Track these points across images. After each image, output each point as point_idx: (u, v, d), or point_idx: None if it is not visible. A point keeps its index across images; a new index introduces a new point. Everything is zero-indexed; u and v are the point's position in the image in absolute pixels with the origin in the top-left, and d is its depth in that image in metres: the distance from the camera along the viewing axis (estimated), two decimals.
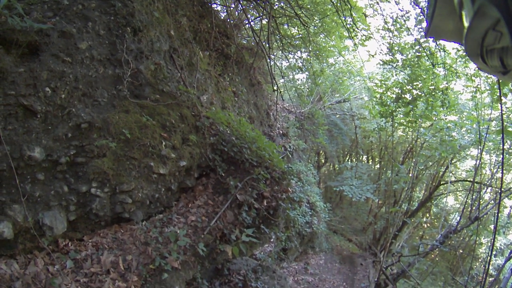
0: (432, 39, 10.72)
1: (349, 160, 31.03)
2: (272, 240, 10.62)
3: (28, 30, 4.02)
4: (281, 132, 14.67)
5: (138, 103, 5.32)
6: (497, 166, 12.10)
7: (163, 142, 5.35)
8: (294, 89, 21.68)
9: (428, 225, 28.01)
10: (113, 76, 5.05)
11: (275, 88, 11.37)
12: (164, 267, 4.78)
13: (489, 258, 6.83)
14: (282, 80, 17.97)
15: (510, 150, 13.50)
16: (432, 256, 24.27)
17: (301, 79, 23.07)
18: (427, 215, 27.58)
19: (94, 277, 4.35)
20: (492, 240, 6.74)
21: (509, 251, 12.00)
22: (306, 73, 20.09)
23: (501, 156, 9.59)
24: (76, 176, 4.46)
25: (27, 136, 3.96)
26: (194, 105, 6.34)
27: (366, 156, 32.46)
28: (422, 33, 11.23)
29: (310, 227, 15.62)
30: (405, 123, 16.36)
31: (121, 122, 4.86)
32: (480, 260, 23.53)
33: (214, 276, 7.39)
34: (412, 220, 19.49)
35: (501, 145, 9.96)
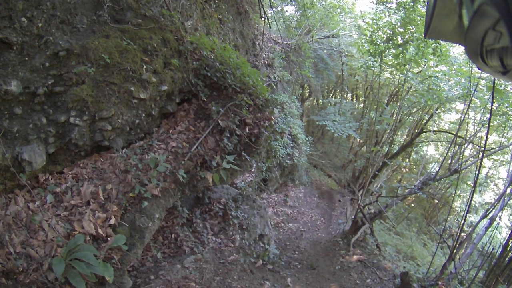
0: None
1: (333, 96, 31.10)
2: (253, 169, 10.69)
3: None
4: (266, 62, 14.50)
5: (118, 27, 5.14)
6: (481, 125, 12.18)
7: (144, 66, 5.20)
8: (282, 20, 21.29)
9: (407, 170, 28.57)
10: (93, 2, 4.86)
11: (263, 15, 11.11)
12: (144, 194, 4.79)
13: (465, 213, 6.96)
14: (270, 11, 17.57)
15: (496, 112, 13.57)
16: (409, 201, 24.83)
17: (290, 11, 22.65)
18: (407, 160, 28.05)
19: (74, 209, 4.36)
20: (470, 197, 6.89)
21: (484, 210, 12.26)
22: (296, 5, 19.71)
23: (487, 115, 9.66)
24: (55, 106, 4.36)
25: (2, 70, 3.83)
26: (177, 29, 6.13)
27: (350, 94, 32.55)
28: None
29: (291, 159, 15.83)
30: (393, 65, 16.24)
31: (101, 47, 4.70)
32: (455, 213, 24.21)
33: (195, 205, 7.46)
34: (392, 162, 19.75)
35: (488, 105, 10.01)
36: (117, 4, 5.21)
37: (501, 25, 0.77)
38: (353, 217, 13.10)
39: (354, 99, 33.11)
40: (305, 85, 27.38)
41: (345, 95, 30.28)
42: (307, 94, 30.39)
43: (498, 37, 0.83)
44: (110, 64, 4.75)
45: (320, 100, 29.99)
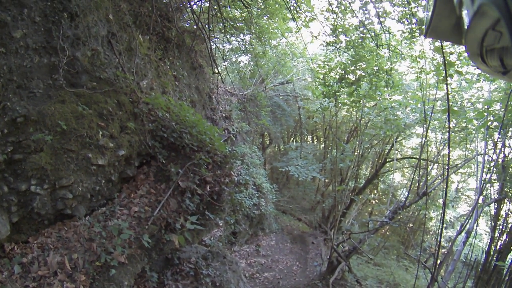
0: (377, 20, 10.88)
1: (294, 141, 31.43)
2: (220, 224, 10.62)
3: None
4: (224, 115, 14.66)
5: (74, 92, 5.11)
6: (443, 144, 12.46)
7: (100, 132, 5.17)
8: (236, 71, 21.62)
9: (377, 201, 28.81)
10: (49, 65, 4.83)
11: (215, 71, 11.27)
12: (111, 263, 4.67)
13: (440, 231, 7.05)
14: (224, 63, 17.83)
15: (456, 129, 13.94)
16: (383, 231, 25.03)
17: (244, 62, 23.03)
18: (375, 191, 28.33)
19: (43, 280, 4.24)
20: (442, 214, 6.98)
21: (460, 224, 12.43)
22: (249, 55, 20.06)
23: (447, 134, 9.90)
24: (15, 174, 4.28)
25: None
26: (132, 91, 6.16)
27: (310, 136, 32.95)
28: (367, 15, 11.34)
29: (258, 209, 15.80)
30: (348, 103, 16.56)
31: (57, 113, 4.66)
32: (431, 233, 24.43)
33: (165, 266, 7.31)
34: (360, 197, 19.94)
35: (447, 124, 10.26)
36: (72, 67, 5.19)
37: (501, 25, 0.79)
38: (328, 257, 13.06)
39: (315, 141, 33.48)
40: (265, 133, 27.65)
41: (305, 138, 30.59)
42: (267, 142, 30.63)
43: (498, 37, 0.85)
44: (66, 130, 4.70)
45: (281, 146, 30.26)
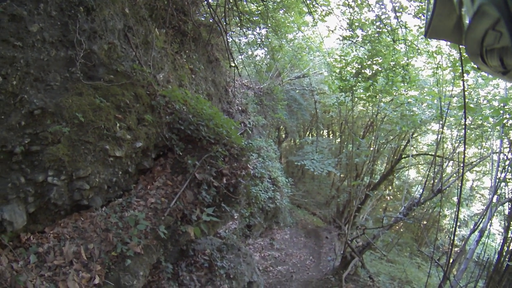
0: (393, 15, 10.78)
1: (310, 135, 31.29)
2: (235, 217, 10.64)
3: None
4: (240, 108, 14.61)
5: (91, 84, 5.15)
6: (458, 141, 12.33)
7: (117, 124, 5.21)
8: (252, 65, 21.55)
9: (391, 197, 28.59)
10: (66, 58, 4.85)
11: (232, 64, 11.28)
12: (126, 253, 4.71)
13: (454, 229, 6.98)
14: (240, 57, 17.82)
15: (471, 126, 13.78)
16: (397, 227, 24.83)
17: (260, 55, 22.94)
18: (390, 187, 28.12)
19: (58, 269, 4.28)
20: (456, 212, 6.92)
21: (473, 222, 12.34)
22: (265, 49, 20.00)
23: (463, 131, 9.81)
24: (32, 165, 4.31)
25: None
26: (149, 84, 6.20)
27: (326, 131, 32.79)
28: (384, 10, 11.23)
29: (273, 203, 15.75)
30: (365, 97, 16.45)
31: (74, 105, 4.69)
32: (444, 231, 24.18)
33: (180, 258, 7.35)
34: (375, 193, 19.81)
35: (463, 120, 10.16)
36: (89, 60, 5.22)
37: (501, 25, 0.79)
38: (341, 252, 13.05)
39: (331, 135, 33.31)
40: (281, 127, 27.56)
41: (321, 133, 30.47)
42: (283, 136, 30.53)
43: (498, 37, 0.85)
44: (84, 122, 4.75)
45: (297, 140, 30.19)
